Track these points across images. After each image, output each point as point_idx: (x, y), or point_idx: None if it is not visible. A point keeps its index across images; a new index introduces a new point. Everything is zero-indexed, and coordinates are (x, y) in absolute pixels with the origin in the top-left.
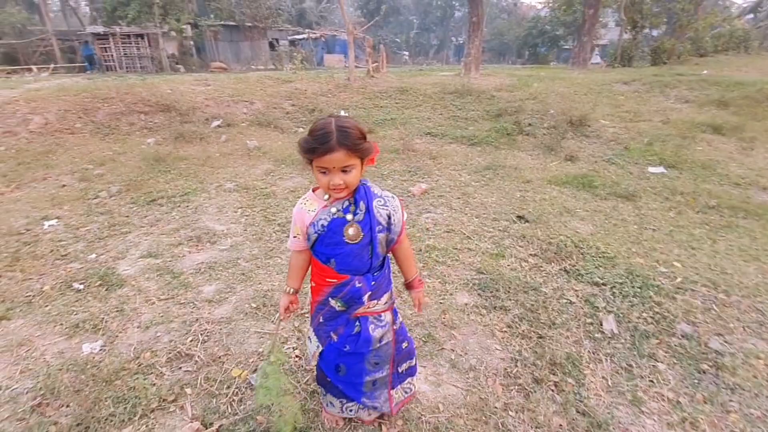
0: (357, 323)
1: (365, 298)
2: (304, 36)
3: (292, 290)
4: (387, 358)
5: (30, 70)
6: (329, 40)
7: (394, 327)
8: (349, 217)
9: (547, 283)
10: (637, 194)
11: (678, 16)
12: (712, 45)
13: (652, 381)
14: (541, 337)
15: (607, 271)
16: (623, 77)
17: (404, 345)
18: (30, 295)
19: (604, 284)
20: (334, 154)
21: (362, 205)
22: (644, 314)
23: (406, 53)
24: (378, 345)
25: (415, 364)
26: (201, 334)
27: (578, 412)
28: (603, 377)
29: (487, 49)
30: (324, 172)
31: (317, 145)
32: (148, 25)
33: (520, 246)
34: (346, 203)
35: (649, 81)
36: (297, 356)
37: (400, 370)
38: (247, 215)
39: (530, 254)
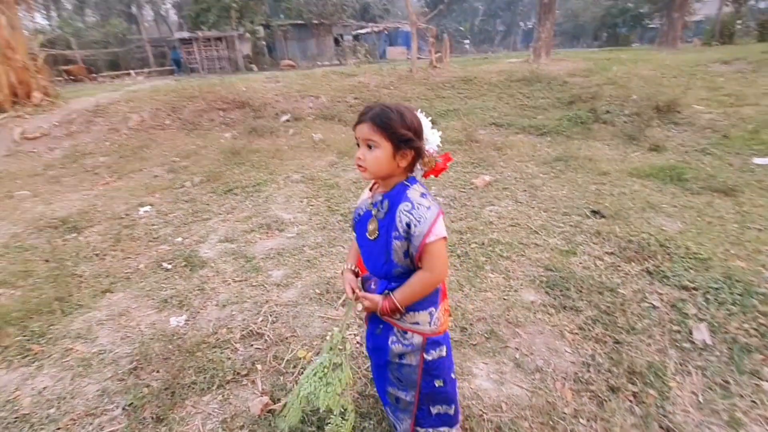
0: (380, 326)
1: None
2: (368, 30)
3: (351, 265)
4: (410, 383)
5: (129, 74)
6: (392, 32)
7: (425, 356)
8: (374, 211)
9: (625, 285)
10: (738, 188)
11: None
12: None
13: (754, 401)
14: (618, 343)
15: (699, 274)
16: (722, 56)
17: (437, 383)
18: (129, 272)
19: (695, 289)
20: (362, 125)
21: (386, 203)
22: (745, 325)
23: (468, 42)
24: (397, 361)
25: (455, 414)
26: (270, 315)
27: (661, 427)
28: (692, 392)
29: (559, 33)
30: (358, 145)
31: (358, 116)
32: (226, 29)
33: (594, 243)
34: (380, 197)
35: (756, 59)
36: (358, 343)
37: (432, 411)
38: (312, 205)
39: (606, 252)
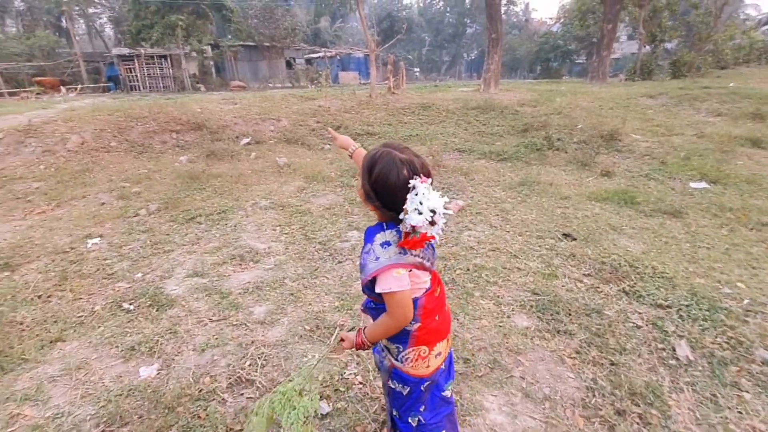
0: None
1: (363, 309)
2: (320, 54)
3: None
4: (385, 394)
5: (59, 90)
6: (343, 57)
7: (389, 381)
8: None
9: (608, 306)
10: (683, 211)
11: (697, 28)
12: (733, 57)
13: (740, 412)
14: (613, 364)
15: (669, 292)
16: (648, 91)
17: (394, 411)
18: (82, 316)
19: (669, 306)
20: None
21: (365, 236)
22: (718, 339)
23: (417, 70)
24: (379, 366)
25: None
26: (258, 358)
27: None
28: (689, 408)
29: None
30: None
31: None
32: (170, 47)
33: (571, 265)
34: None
35: (676, 95)
36: (360, 383)
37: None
38: (286, 233)
39: (584, 274)
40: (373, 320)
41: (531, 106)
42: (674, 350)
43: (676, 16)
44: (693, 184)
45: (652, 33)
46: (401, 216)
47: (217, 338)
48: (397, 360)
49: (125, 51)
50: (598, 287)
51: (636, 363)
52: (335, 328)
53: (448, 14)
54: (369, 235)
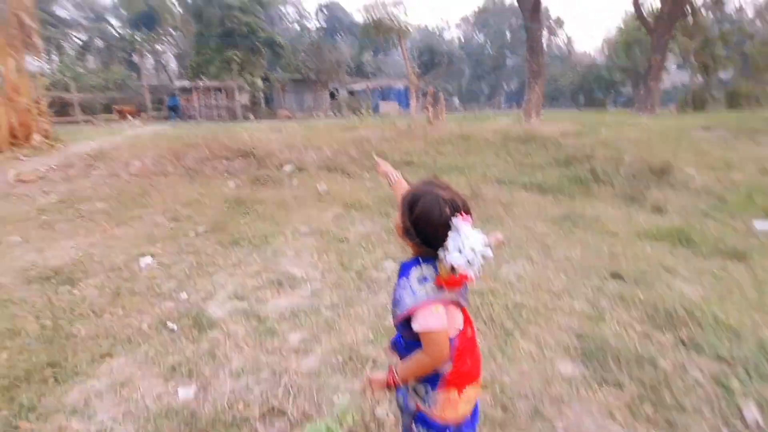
0: None
1: (390, 346)
2: (362, 86)
3: None
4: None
5: (125, 117)
6: (384, 88)
7: (413, 426)
8: None
9: (663, 356)
10: (747, 253)
11: (754, 58)
12: None
13: None
14: (670, 424)
15: (733, 345)
16: (702, 123)
17: None
18: (130, 333)
19: (733, 361)
20: None
21: (399, 270)
22: None
23: (457, 100)
24: (402, 408)
25: None
26: (291, 388)
27: None
28: None
29: None
30: None
31: None
32: (225, 79)
33: (620, 308)
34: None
35: (734, 127)
36: (393, 424)
37: None
38: (323, 261)
39: (635, 319)
40: (400, 359)
41: (574, 138)
42: (741, 411)
43: (730, 45)
44: (757, 224)
45: (704, 63)
46: (440, 254)
47: (252, 364)
48: (424, 402)
49: (186, 83)
50: (651, 334)
51: (696, 423)
52: (368, 361)
53: (488, 47)
54: (404, 269)
